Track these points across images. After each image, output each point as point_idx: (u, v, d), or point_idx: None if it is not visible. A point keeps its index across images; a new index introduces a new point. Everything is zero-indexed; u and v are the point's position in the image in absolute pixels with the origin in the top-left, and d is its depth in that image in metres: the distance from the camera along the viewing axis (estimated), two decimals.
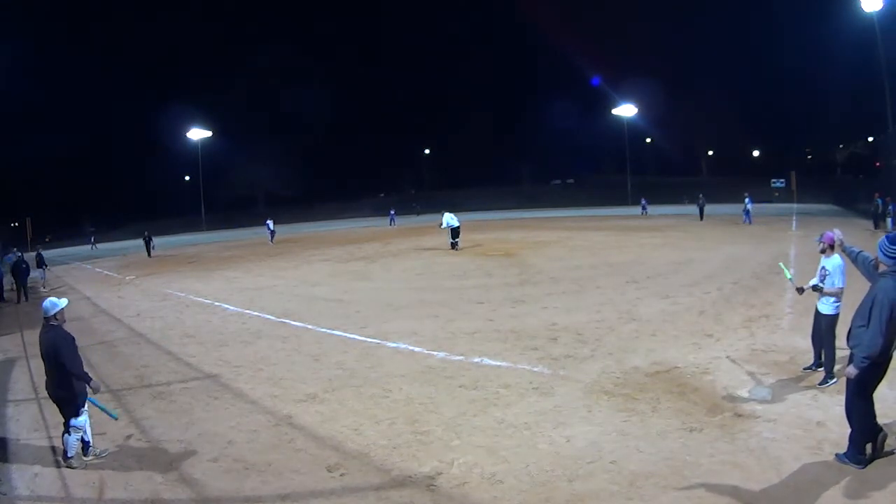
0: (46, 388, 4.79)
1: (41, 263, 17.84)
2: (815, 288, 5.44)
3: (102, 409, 5.07)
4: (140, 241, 28.86)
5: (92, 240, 41.40)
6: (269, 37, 72.01)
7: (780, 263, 6.74)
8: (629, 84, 53.33)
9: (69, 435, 4.62)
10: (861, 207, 24.76)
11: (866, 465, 3.83)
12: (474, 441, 4.64)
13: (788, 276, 6.22)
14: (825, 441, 4.20)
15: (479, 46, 76.18)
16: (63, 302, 4.82)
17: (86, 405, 4.76)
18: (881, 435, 3.90)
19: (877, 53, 23.54)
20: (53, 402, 4.80)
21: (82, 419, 4.66)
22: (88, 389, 4.73)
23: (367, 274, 15.34)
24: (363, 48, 79.59)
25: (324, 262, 18.81)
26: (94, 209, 60.17)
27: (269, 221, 31.17)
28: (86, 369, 4.76)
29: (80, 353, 4.75)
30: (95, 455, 4.79)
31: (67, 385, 4.64)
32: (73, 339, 4.78)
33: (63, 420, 4.68)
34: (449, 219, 19.63)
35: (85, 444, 4.77)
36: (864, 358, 3.71)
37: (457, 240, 19.65)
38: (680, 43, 62.32)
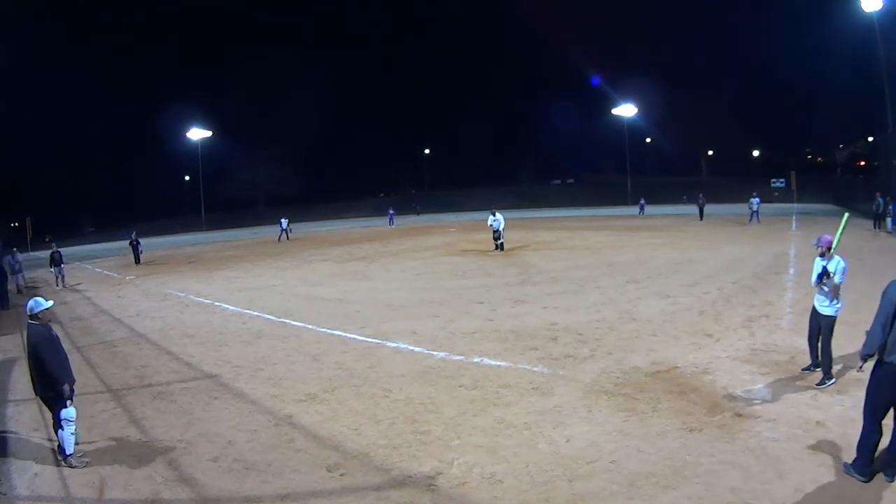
0: (32, 387, 4.81)
1: (59, 262, 17.52)
2: (820, 279, 5.27)
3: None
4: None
5: (133, 234, 41.22)
6: (268, 37, 72.16)
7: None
8: (629, 84, 53.39)
9: (62, 430, 4.63)
10: (862, 208, 24.73)
11: (871, 478, 3.69)
12: (474, 441, 4.64)
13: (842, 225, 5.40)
14: (825, 441, 4.21)
15: (480, 46, 76.33)
16: (48, 303, 4.86)
17: (73, 398, 4.76)
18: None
19: (877, 53, 23.57)
20: (41, 400, 4.83)
21: (71, 410, 4.68)
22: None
23: (367, 274, 15.33)
24: (363, 48, 79.76)
25: (324, 262, 18.80)
26: (94, 209, 60.15)
27: (283, 220, 32.10)
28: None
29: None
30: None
31: (49, 382, 4.65)
32: (53, 337, 4.80)
33: (53, 416, 4.69)
34: (491, 219, 18.76)
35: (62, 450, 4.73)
36: (866, 354, 3.73)
37: (499, 241, 18.67)
38: (680, 43, 62.40)
